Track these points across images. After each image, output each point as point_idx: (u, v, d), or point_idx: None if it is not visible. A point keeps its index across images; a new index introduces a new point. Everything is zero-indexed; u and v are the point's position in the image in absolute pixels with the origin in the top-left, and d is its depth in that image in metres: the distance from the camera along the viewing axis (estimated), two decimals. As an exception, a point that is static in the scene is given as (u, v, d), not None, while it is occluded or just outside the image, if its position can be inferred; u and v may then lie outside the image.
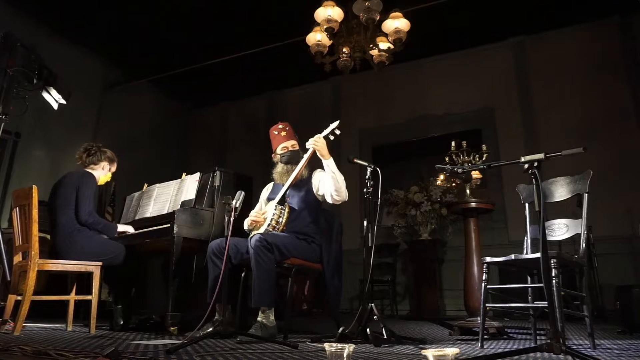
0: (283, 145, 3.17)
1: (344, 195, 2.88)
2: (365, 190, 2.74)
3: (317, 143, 2.84)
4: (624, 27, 6.24)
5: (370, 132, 7.62)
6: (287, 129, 3.20)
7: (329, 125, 2.92)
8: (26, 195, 2.93)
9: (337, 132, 2.90)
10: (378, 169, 2.83)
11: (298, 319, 3.50)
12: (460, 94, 7.04)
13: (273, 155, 3.23)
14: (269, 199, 3.11)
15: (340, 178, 2.86)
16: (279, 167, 3.16)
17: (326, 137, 2.90)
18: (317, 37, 3.90)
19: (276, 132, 3.20)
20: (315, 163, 3.08)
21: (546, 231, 2.15)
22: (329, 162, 2.85)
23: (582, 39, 6.47)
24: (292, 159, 3.11)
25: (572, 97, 6.33)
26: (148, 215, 3.58)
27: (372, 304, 2.60)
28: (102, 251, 3.13)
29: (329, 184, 2.86)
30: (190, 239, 3.15)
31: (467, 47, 7.04)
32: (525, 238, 2.82)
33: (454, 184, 5.97)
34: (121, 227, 3.38)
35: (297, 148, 3.16)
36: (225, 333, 2.40)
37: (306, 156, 2.97)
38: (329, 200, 2.93)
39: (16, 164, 5.98)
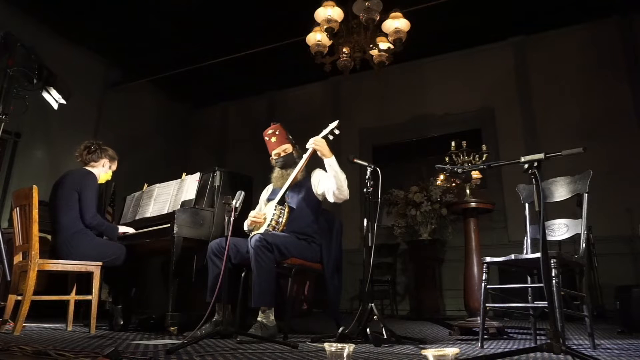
0: (275, 151, 3.17)
1: (345, 193, 2.89)
2: (365, 190, 2.75)
3: (317, 144, 2.86)
4: (624, 27, 6.23)
5: (370, 132, 7.62)
6: (277, 132, 3.17)
7: (328, 125, 2.92)
8: (26, 195, 2.93)
9: (337, 131, 2.91)
10: (378, 169, 2.83)
11: (298, 319, 3.50)
12: (460, 94, 7.04)
13: (270, 158, 3.24)
14: (269, 200, 3.11)
15: (342, 176, 2.87)
16: (276, 172, 3.19)
17: (325, 137, 2.91)
18: (317, 37, 3.90)
19: (267, 138, 3.19)
20: (312, 164, 3.08)
21: (546, 231, 2.15)
22: (330, 162, 2.86)
23: (582, 39, 6.46)
24: (286, 163, 3.13)
25: (572, 97, 6.33)
26: (148, 215, 3.58)
27: (372, 304, 2.60)
28: (103, 253, 3.13)
29: (331, 182, 2.87)
30: (190, 238, 3.15)
31: (467, 47, 7.04)
32: (525, 238, 2.81)
33: (454, 184, 5.96)
34: (122, 229, 3.38)
35: (291, 150, 3.15)
36: (225, 333, 2.40)
37: (305, 157, 2.98)
38: (330, 198, 2.93)
39: (16, 164, 5.98)
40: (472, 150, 3.62)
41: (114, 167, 3.53)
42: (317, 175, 3.08)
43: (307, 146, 2.92)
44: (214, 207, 3.37)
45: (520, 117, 6.62)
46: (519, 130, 6.58)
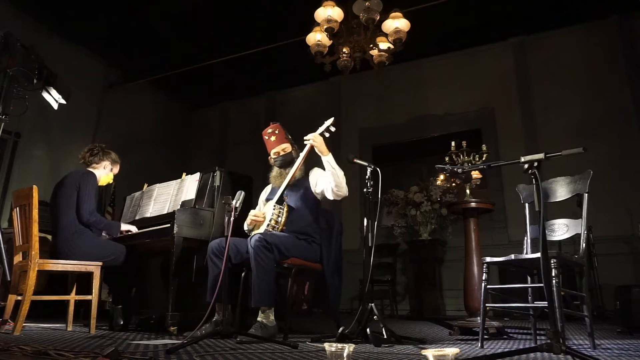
0: (274, 150, 3.17)
1: (344, 190, 2.89)
2: (365, 190, 2.75)
3: (315, 140, 2.86)
4: (623, 27, 6.23)
5: (370, 132, 7.62)
6: (277, 132, 3.17)
7: (324, 123, 2.92)
8: (26, 196, 2.93)
9: (332, 128, 2.91)
10: (378, 169, 2.83)
11: (298, 319, 3.50)
12: (460, 94, 7.04)
13: (269, 158, 3.24)
14: (268, 200, 3.11)
15: (340, 173, 2.87)
16: (274, 171, 3.19)
17: (322, 135, 2.91)
18: (317, 37, 3.90)
19: (267, 137, 3.19)
20: (310, 162, 3.09)
21: (546, 231, 2.15)
22: (328, 159, 2.86)
23: (582, 39, 6.47)
24: (285, 162, 3.12)
25: (572, 97, 6.33)
26: (148, 215, 3.57)
27: (372, 304, 2.60)
28: (103, 253, 3.13)
29: (329, 179, 2.87)
30: (190, 238, 3.15)
31: (467, 47, 7.04)
32: (525, 238, 2.81)
33: (454, 184, 5.97)
34: (125, 226, 3.37)
35: (290, 150, 3.15)
36: (225, 333, 2.40)
37: (302, 154, 2.98)
38: (330, 195, 2.93)
39: (16, 164, 5.98)
40: (472, 150, 3.63)
41: (116, 170, 3.52)
42: (315, 174, 3.08)
43: (305, 139, 2.92)
44: (214, 207, 3.37)
45: (520, 117, 6.62)
46: (519, 130, 6.58)
